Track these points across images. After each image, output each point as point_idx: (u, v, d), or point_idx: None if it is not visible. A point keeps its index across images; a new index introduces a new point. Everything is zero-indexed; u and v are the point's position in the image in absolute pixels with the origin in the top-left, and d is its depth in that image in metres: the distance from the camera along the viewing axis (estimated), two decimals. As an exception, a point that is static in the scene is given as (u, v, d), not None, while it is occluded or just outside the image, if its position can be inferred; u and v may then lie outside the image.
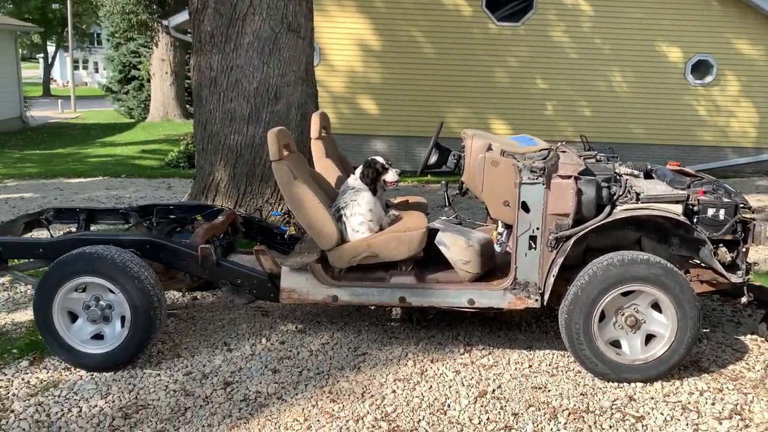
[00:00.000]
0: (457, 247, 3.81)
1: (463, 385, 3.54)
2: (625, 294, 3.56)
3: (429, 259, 4.03)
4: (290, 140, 4.06)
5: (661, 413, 3.28)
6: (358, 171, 4.16)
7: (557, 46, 11.27)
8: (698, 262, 3.83)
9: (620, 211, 3.59)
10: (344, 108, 11.40)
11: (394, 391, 3.46)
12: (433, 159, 4.54)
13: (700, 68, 11.41)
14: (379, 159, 4.20)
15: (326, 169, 4.74)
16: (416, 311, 4.34)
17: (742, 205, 3.62)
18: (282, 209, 6.13)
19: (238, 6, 5.98)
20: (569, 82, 11.40)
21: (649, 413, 3.29)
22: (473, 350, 3.99)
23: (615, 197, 3.61)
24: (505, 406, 3.34)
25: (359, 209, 3.91)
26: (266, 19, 6.03)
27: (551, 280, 3.61)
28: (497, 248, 4.16)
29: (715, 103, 11.54)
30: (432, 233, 3.94)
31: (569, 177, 3.56)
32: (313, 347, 3.99)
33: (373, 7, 11.16)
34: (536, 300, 3.66)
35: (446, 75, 11.32)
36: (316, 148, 4.88)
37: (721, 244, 3.62)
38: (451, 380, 3.60)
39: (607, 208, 3.58)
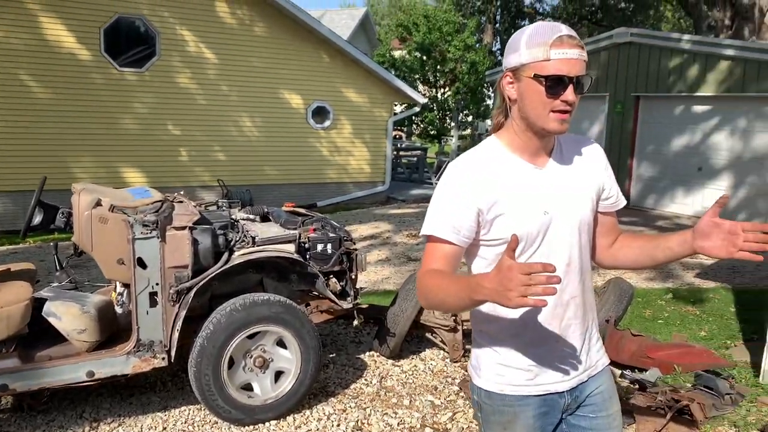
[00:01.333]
0: (70, 316, 3.46)
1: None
2: (251, 336, 3.64)
3: (42, 334, 3.57)
4: None
5: (294, 446, 3.42)
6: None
7: (186, 92, 11.29)
8: (317, 293, 4.15)
9: (238, 256, 3.67)
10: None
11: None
12: (38, 219, 4.08)
13: (321, 113, 12.62)
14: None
15: None
16: (27, 397, 3.79)
17: (345, 239, 4.03)
18: None
19: None
20: (201, 128, 11.50)
21: (283, 449, 3.40)
22: (101, 426, 3.64)
23: (232, 243, 3.69)
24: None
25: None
26: None
27: (176, 335, 3.51)
28: (119, 310, 3.89)
29: (335, 144, 12.87)
30: (40, 303, 3.51)
31: (184, 228, 3.52)
32: None
33: (-33, 48, 9.70)
34: (163, 358, 3.51)
35: (69, 123, 10.41)
36: None
37: (331, 276, 3.97)
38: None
39: (225, 255, 3.63)
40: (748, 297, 6.56)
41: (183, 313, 3.50)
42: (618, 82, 12.86)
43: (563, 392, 1.72)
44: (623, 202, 1.83)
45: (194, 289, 3.52)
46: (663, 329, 5.59)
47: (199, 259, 3.54)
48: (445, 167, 1.73)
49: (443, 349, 4.70)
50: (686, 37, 11.89)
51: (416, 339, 4.93)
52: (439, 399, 4.02)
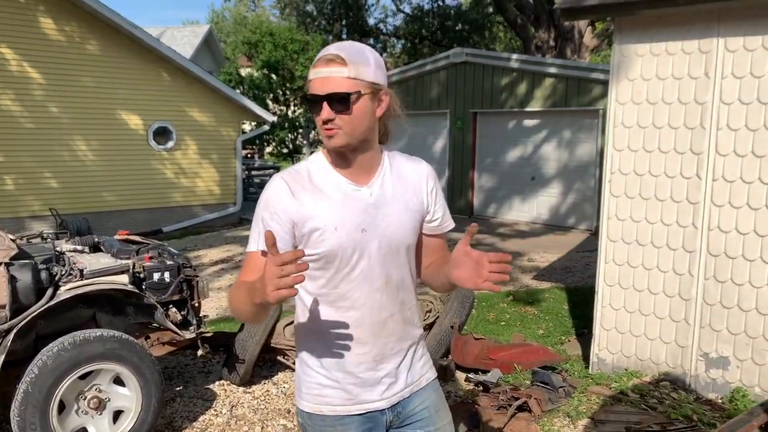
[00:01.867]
0: None
1: None
2: (84, 376, 3.38)
3: None
4: None
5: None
6: None
7: (8, 115, 10.34)
8: (157, 325, 3.94)
9: (64, 292, 3.40)
10: None
11: None
12: None
13: (163, 134, 12.09)
14: None
15: None
16: None
17: (184, 265, 3.87)
18: None
19: None
20: (29, 153, 10.57)
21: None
22: None
23: (57, 277, 3.42)
24: None
25: None
26: None
27: (-6, 383, 3.17)
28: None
29: (180, 165, 12.38)
30: None
31: (-1, 264, 3.21)
32: None
33: None
34: (-21, 411, 3.16)
35: None
36: None
37: (171, 305, 3.79)
38: None
39: (50, 291, 3.35)
40: (579, 295, 7.14)
41: (1, 357, 3.18)
42: (457, 99, 13.57)
43: (384, 409, 1.74)
44: (450, 226, 1.84)
45: (14, 331, 3.21)
46: (505, 330, 5.92)
47: (19, 297, 3.23)
48: None
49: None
50: (515, 56, 12.82)
51: (268, 363, 4.84)
52: (293, 422, 3.96)
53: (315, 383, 1.71)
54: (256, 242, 1.64)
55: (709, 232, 4.15)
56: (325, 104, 1.58)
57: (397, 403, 1.75)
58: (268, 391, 4.42)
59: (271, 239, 1.37)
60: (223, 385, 4.48)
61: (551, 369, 4.61)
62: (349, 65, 1.57)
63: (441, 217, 1.81)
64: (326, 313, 1.68)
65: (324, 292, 1.68)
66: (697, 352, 4.27)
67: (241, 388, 4.42)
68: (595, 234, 11.21)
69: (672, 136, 4.24)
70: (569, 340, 5.68)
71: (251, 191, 16.09)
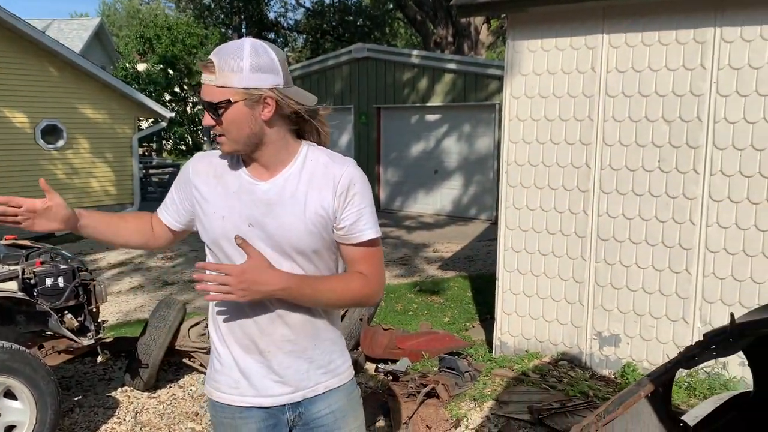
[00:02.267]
0: None
1: None
2: (-29, 392, 3.16)
3: None
4: None
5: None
6: None
7: None
8: (51, 333, 3.74)
9: (-55, 302, 3.17)
10: None
11: None
12: None
13: (52, 132, 11.41)
14: None
15: None
16: None
17: (80, 269, 3.69)
18: None
19: None
20: None
21: None
22: None
23: (-64, 288, 3.17)
24: None
25: None
26: None
27: None
28: None
29: (72, 165, 11.74)
30: None
31: None
32: None
33: None
34: None
35: None
36: None
37: (67, 311, 3.61)
38: None
39: (-72, 302, 3.11)
40: (482, 282, 7.39)
41: None
42: (360, 95, 13.65)
43: (284, 406, 1.71)
44: (364, 236, 1.64)
45: None
46: (412, 320, 6.04)
47: None
48: None
49: (204, 373, 4.53)
50: (415, 52, 13.04)
51: (173, 366, 4.70)
52: (201, 425, 3.87)
53: (212, 369, 1.75)
54: (163, 207, 1.83)
55: (598, 218, 4.41)
56: (206, 112, 1.59)
57: (298, 403, 1.71)
58: (174, 394, 4.30)
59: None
60: (126, 391, 4.31)
61: (457, 355, 4.75)
62: (217, 73, 1.53)
63: (350, 225, 1.62)
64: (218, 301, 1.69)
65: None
66: (591, 331, 4.54)
67: (145, 394, 4.27)
68: (495, 223, 11.59)
69: (563, 127, 4.46)
70: (473, 326, 5.88)
71: (150, 190, 15.48)
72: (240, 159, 1.67)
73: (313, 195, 1.61)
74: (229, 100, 1.53)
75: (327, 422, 1.73)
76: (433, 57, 12.89)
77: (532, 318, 4.76)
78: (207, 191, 1.67)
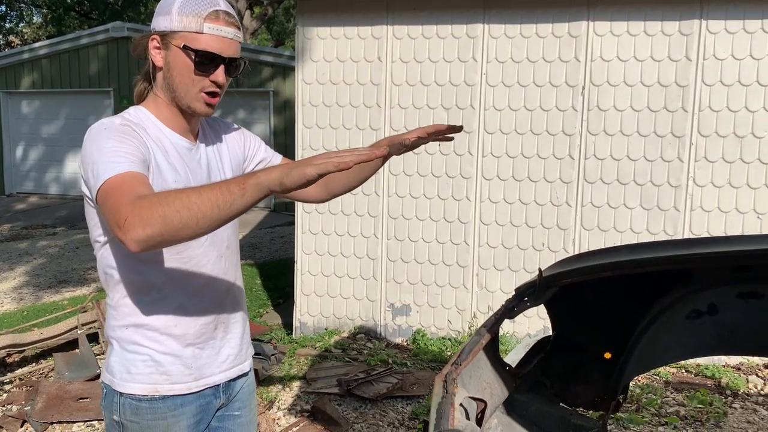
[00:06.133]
0: None
1: None
2: None
3: None
4: None
5: None
6: None
7: None
8: None
9: None
10: None
11: None
12: None
13: None
14: None
15: None
16: None
17: None
18: None
19: None
20: None
21: None
22: None
23: None
24: None
25: None
26: None
27: None
28: None
29: None
30: None
31: None
32: None
33: None
34: None
35: None
36: None
37: None
38: None
39: None
40: (270, 268, 7.43)
41: None
42: (121, 77, 12.70)
43: (218, 386, 1.61)
44: (278, 159, 1.77)
45: None
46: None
47: None
48: None
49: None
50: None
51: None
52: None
53: (151, 360, 1.50)
54: (128, 163, 1.31)
55: (388, 198, 4.73)
56: (222, 67, 1.45)
57: (231, 381, 1.65)
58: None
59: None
60: None
61: (260, 341, 4.77)
62: (240, 30, 1.48)
63: (271, 156, 1.75)
64: (168, 281, 1.49)
65: (167, 257, 1.48)
66: (384, 303, 4.86)
67: None
68: (274, 210, 11.69)
69: (354, 114, 4.69)
70: (267, 311, 5.92)
71: None
72: (163, 125, 1.51)
73: (232, 153, 1.69)
74: (245, 60, 1.53)
75: (242, 397, 1.71)
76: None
77: (330, 296, 4.95)
78: (160, 155, 1.49)
